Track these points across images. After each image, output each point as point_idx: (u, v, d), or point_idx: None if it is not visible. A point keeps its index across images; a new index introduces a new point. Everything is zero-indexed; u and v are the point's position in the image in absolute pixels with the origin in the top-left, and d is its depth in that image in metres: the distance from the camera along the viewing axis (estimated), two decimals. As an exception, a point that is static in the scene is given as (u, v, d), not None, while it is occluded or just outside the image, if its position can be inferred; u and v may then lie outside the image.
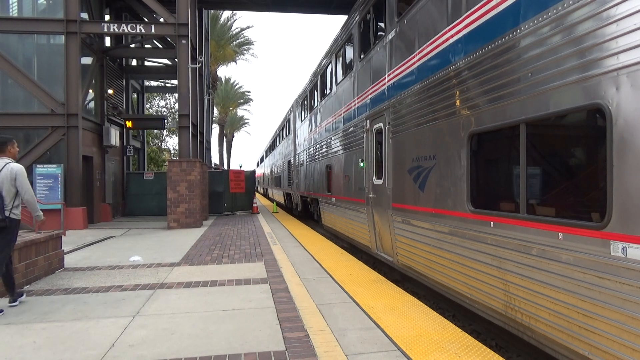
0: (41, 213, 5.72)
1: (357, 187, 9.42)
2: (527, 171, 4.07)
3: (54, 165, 13.92)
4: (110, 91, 18.17)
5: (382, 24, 8.01)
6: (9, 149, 5.55)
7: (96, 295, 5.85)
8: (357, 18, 9.55)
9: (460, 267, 5.15)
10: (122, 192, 19.76)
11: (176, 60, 15.53)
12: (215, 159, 44.09)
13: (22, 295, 5.64)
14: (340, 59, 11.41)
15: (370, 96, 8.51)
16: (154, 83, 26.63)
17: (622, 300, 3.06)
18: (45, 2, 16.15)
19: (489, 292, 4.64)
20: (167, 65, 21.91)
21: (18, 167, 5.42)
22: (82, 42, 14.70)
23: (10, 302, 5.42)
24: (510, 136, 4.41)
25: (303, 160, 17.15)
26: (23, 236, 7.01)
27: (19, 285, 6.12)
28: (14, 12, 15.63)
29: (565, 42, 3.57)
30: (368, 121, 8.62)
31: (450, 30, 5.39)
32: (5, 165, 5.35)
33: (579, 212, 3.70)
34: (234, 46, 39.61)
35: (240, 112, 61.21)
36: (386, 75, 7.59)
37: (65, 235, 11.52)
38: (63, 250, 7.83)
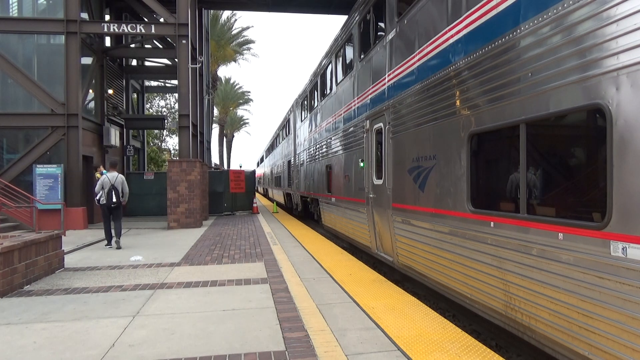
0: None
1: (357, 187, 9.42)
2: (527, 171, 4.07)
3: (54, 165, 13.92)
4: (110, 91, 18.18)
5: (382, 24, 8.01)
6: (117, 166, 10.35)
7: (96, 295, 5.85)
8: (357, 18, 9.55)
9: (461, 267, 5.15)
10: (122, 192, 19.73)
11: (176, 60, 15.54)
12: (215, 159, 44.11)
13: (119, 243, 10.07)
14: (340, 59, 11.40)
15: (370, 96, 8.51)
16: (154, 83, 26.64)
17: (622, 300, 3.06)
18: (45, 2, 16.15)
19: (489, 292, 4.64)
20: (167, 65, 21.92)
21: (123, 177, 10.26)
22: (82, 42, 14.70)
23: (116, 243, 10.05)
24: (510, 136, 4.41)
25: (303, 160, 17.15)
26: (23, 236, 7.02)
27: (19, 285, 6.22)
28: (14, 12, 15.63)
29: (566, 42, 3.57)
30: (368, 121, 8.62)
31: (450, 30, 5.39)
32: (118, 175, 10.07)
33: (579, 212, 3.69)
34: (234, 46, 39.64)
35: (240, 112, 61.34)
36: (386, 75, 7.59)
37: (65, 235, 11.52)
38: (63, 250, 7.83)
